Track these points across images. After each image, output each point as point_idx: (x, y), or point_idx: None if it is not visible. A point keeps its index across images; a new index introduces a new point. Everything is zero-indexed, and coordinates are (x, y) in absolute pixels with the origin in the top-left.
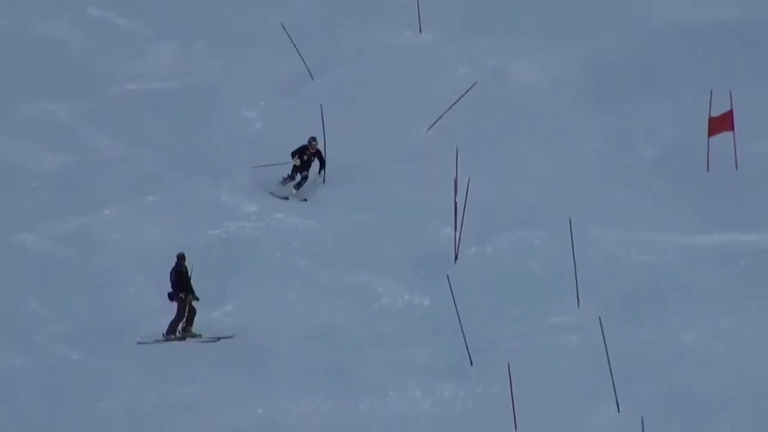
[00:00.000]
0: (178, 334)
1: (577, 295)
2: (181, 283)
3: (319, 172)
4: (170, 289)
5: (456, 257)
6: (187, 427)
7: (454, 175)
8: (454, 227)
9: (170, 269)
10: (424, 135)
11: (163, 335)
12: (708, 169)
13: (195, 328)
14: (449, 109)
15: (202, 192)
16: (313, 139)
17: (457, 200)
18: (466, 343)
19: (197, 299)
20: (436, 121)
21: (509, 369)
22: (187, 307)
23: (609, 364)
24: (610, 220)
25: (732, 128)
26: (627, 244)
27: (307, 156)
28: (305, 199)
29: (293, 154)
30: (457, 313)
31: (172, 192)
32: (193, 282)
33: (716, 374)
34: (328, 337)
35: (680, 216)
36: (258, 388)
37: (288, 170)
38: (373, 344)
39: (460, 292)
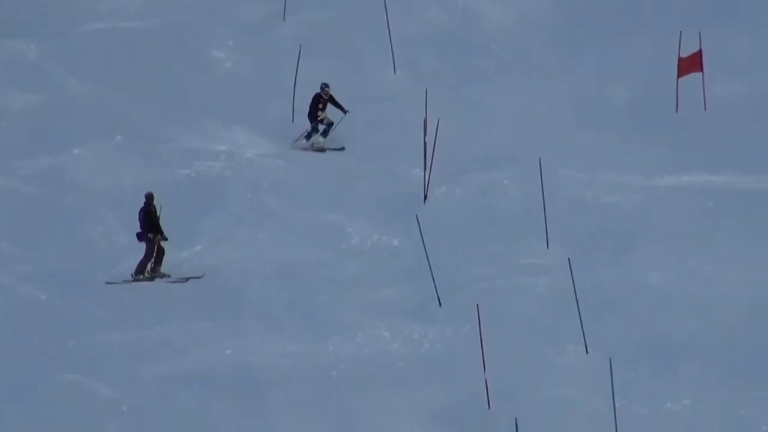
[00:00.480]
0: (146, 274)
1: (546, 236)
2: (149, 223)
3: (344, 112)
4: (139, 229)
5: (425, 198)
6: (156, 367)
7: (423, 116)
8: (423, 168)
9: (139, 209)
10: (393, 76)
11: (132, 275)
12: (677, 110)
13: (164, 268)
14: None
15: (171, 132)
16: (326, 85)
17: (426, 141)
18: (434, 284)
19: (166, 239)
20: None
21: (478, 310)
22: (156, 247)
23: (577, 305)
24: (578, 162)
25: (701, 69)
26: (595, 185)
27: (322, 104)
28: (342, 147)
29: (312, 115)
30: (426, 254)
31: (141, 132)
32: (162, 222)
33: (684, 315)
34: (297, 278)
35: (649, 157)
36: (227, 329)
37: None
38: (342, 284)
39: (429, 232)
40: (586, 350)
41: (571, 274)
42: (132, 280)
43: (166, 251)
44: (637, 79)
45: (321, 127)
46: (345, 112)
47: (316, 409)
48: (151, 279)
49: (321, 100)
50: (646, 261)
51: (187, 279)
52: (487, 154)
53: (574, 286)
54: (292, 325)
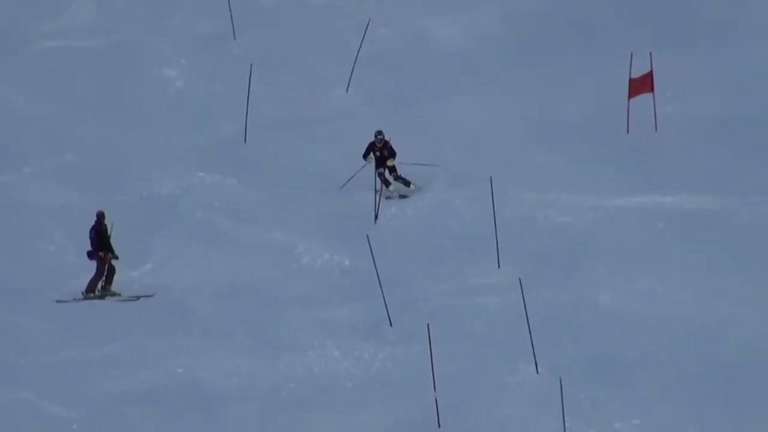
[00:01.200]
0: (97, 292)
1: (498, 256)
2: (100, 242)
3: (392, 158)
4: (90, 248)
5: (376, 217)
6: (106, 384)
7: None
8: (374, 188)
9: (90, 227)
10: (345, 95)
11: (83, 293)
12: (628, 131)
13: (114, 286)
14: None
15: (122, 151)
16: (379, 132)
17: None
18: (385, 304)
19: (117, 258)
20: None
21: (428, 329)
22: (107, 265)
23: (528, 324)
24: (530, 182)
25: (652, 89)
26: (547, 205)
27: (378, 152)
28: (419, 186)
29: (365, 155)
30: (377, 274)
31: (91, 150)
32: (112, 241)
33: (633, 335)
34: (248, 296)
35: (600, 177)
36: (178, 347)
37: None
38: (293, 303)
39: (380, 252)
40: (537, 369)
41: (522, 294)
42: (83, 299)
43: (117, 270)
44: (589, 100)
45: (386, 173)
46: (392, 159)
47: (267, 428)
48: (102, 297)
49: (376, 147)
50: (597, 281)
51: (138, 297)
52: (438, 173)
53: (525, 306)
54: (242, 344)
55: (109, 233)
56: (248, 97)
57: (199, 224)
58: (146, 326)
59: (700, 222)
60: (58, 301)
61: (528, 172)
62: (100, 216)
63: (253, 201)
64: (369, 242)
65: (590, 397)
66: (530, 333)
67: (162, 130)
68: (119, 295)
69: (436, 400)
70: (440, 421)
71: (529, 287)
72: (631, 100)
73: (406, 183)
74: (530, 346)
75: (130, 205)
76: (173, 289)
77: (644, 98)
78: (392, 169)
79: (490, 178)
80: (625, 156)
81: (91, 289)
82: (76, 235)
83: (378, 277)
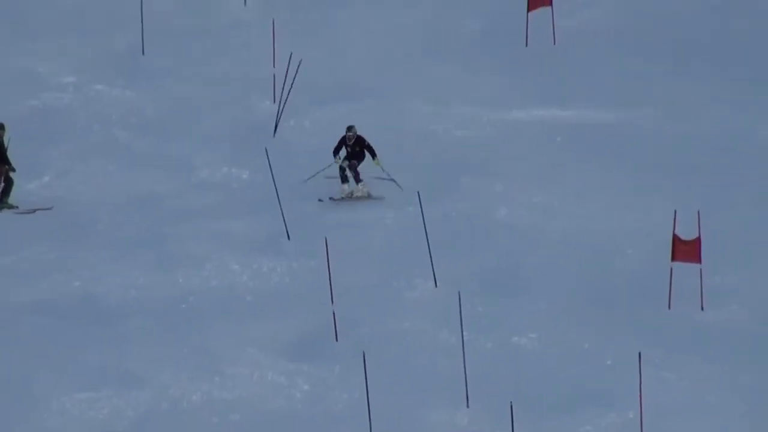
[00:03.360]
0: None
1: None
2: None
3: (374, 159)
4: None
5: (275, 130)
6: (2, 297)
7: (273, 47)
8: (273, 100)
9: None
10: (243, 6)
11: None
12: (527, 44)
13: (11, 199)
14: None
15: (18, 60)
16: (350, 128)
17: (275, 72)
18: (283, 217)
19: (14, 170)
20: None
21: (326, 243)
22: (3, 177)
23: (427, 238)
24: (429, 94)
25: (550, 3)
26: (445, 118)
27: (349, 148)
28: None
29: (334, 152)
30: (275, 187)
31: None
32: (9, 153)
33: (531, 249)
34: (145, 209)
35: (498, 91)
36: (75, 260)
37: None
38: (191, 216)
39: (278, 165)
40: (435, 283)
41: (421, 207)
42: None
43: (14, 182)
44: (488, 12)
45: (353, 172)
46: (376, 157)
47: (166, 340)
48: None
49: (346, 143)
50: (495, 195)
51: (35, 210)
52: (337, 86)
53: (423, 220)
54: (140, 257)
55: (6, 146)
56: (141, 6)
57: (97, 137)
58: (43, 240)
59: (598, 135)
60: None
61: (427, 84)
62: None
63: (152, 114)
64: (268, 156)
65: (488, 310)
66: (428, 246)
67: (56, 39)
68: (16, 207)
69: (333, 313)
70: (338, 335)
71: (427, 200)
72: (530, 13)
73: (357, 181)
74: (428, 260)
75: (26, 117)
76: (71, 202)
77: (543, 11)
78: (356, 172)
79: (389, 91)
80: (524, 69)
81: None
82: None
83: (276, 191)
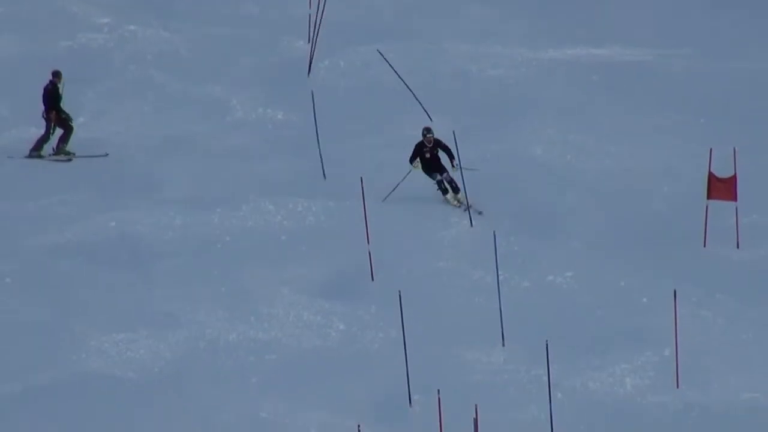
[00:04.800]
0: (53, 151)
1: (426, 110)
2: (50, 102)
3: (453, 163)
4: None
5: (309, 70)
6: (39, 238)
7: None
8: (308, 40)
9: (43, 86)
10: None
11: (30, 152)
12: None
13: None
14: None
15: (52, 1)
16: (428, 130)
17: (310, 13)
18: (321, 156)
19: (70, 119)
20: None
21: (362, 182)
22: (61, 125)
23: (462, 177)
24: (463, 34)
25: None
26: (480, 57)
27: (428, 153)
28: (480, 212)
29: (411, 159)
30: (316, 127)
31: (21, 1)
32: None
33: (567, 188)
34: (181, 150)
35: (533, 30)
36: (111, 202)
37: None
38: (226, 157)
39: (311, 105)
40: (471, 222)
41: (456, 145)
42: (28, 157)
43: (73, 130)
44: None
45: (442, 181)
46: (454, 159)
47: (201, 280)
48: (58, 155)
49: (425, 148)
50: (530, 134)
51: (91, 157)
52: (372, 26)
53: (459, 158)
54: (176, 198)
55: (61, 92)
56: None
57: (132, 77)
58: (77, 182)
59: (633, 74)
60: (9, 157)
61: (461, 24)
62: (54, 75)
63: (186, 54)
64: (313, 97)
65: (523, 249)
66: (464, 184)
67: None
68: (73, 154)
69: (369, 253)
70: (373, 275)
71: (462, 139)
72: None
73: (455, 190)
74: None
75: (61, 58)
76: (106, 144)
77: None
78: (443, 170)
79: (423, 31)
80: (559, 8)
81: (36, 147)
82: (5, 89)
83: (316, 131)
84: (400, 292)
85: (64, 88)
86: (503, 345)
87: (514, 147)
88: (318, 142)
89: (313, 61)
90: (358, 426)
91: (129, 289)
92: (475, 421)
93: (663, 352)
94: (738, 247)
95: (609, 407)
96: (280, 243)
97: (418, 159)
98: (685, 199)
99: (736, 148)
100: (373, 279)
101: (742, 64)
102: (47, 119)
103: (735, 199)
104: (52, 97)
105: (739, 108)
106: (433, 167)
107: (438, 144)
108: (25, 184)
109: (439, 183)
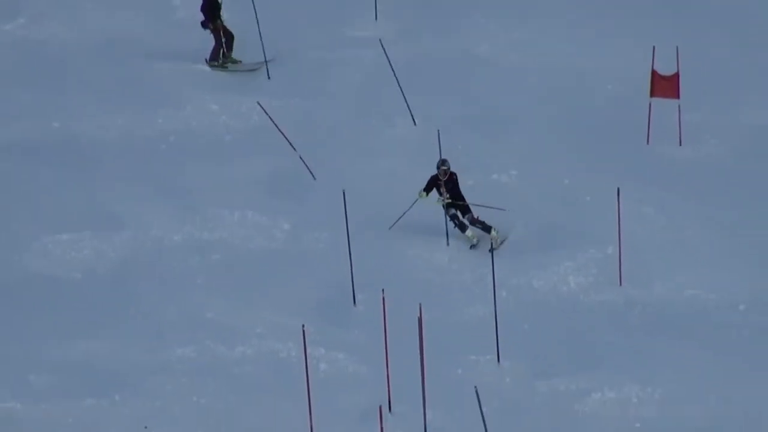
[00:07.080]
0: (219, 61)
1: (375, 8)
2: (211, 11)
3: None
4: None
5: None
6: None
7: None
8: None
9: None
10: None
11: (206, 61)
12: None
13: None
14: None
15: None
16: (443, 162)
17: None
18: (264, 55)
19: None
20: None
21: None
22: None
23: (397, 78)
24: None
25: None
26: None
27: (442, 187)
28: (501, 240)
29: (426, 191)
30: (258, 25)
31: None
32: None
33: (511, 87)
34: (121, 50)
35: None
36: (53, 102)
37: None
38: (168, 56)
39: (261, 5)
40: (414, 121)
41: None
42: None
43: (235, 37)
44: None
45: (459, 216)
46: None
47: (146, 181)
48: (225, 64)
49: (439, 181)
50: (474, 33)
51: (259, 65)
52: None
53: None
54: (119, 98)
55: (220, 2)
56: None
57: None
58: (18, 82)
59: None
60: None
61: None
62: None
63: None
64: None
65: (467, 148)
66: (401, 86)
67: None
68: (239, 62)
69: (307, 153)
70: (314, 174)
71: (406, 39)
72: None
73: (486, 228)
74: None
75: None
76: (47, 44)
77: None
78: (465, 210)
79: None
80: None
81: (214, 57)
82: None
83: (259, 30)
84: (344, 191)
85: None
86: (447, 244)
87: (458, 45)
88: (261, 40)
89: None
90: (303, 326)
91: (73, 189)
92: (419, 319)
93: (606, 249)
94: (680, 144)
95: (553, 305)
96: (225, 142)
97: (433, 191)
98: (629, 97)
99: (679, 46)
100: (315, 178)
101: None
102: (214, 30)
103: (678, 96)
104: (212, 6)
105: (683, 6)
106: (452, 204)
107: (452, 178)
108: None
109: (453, 217)
